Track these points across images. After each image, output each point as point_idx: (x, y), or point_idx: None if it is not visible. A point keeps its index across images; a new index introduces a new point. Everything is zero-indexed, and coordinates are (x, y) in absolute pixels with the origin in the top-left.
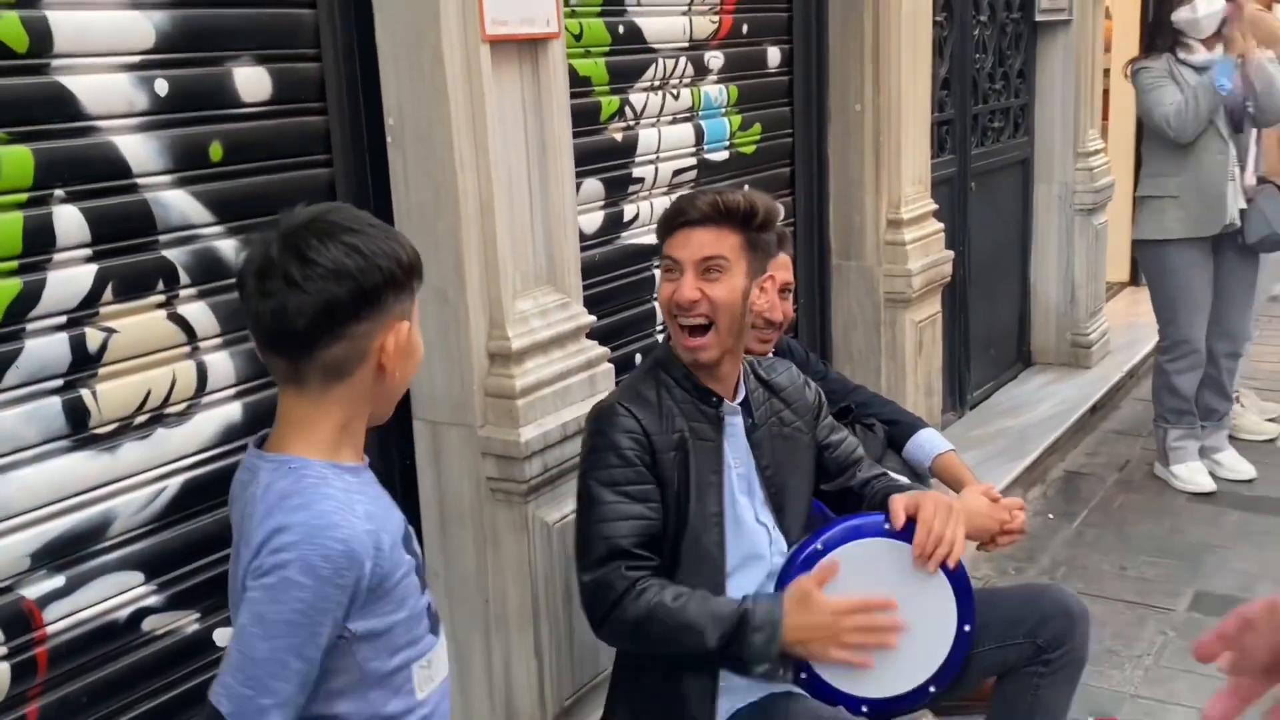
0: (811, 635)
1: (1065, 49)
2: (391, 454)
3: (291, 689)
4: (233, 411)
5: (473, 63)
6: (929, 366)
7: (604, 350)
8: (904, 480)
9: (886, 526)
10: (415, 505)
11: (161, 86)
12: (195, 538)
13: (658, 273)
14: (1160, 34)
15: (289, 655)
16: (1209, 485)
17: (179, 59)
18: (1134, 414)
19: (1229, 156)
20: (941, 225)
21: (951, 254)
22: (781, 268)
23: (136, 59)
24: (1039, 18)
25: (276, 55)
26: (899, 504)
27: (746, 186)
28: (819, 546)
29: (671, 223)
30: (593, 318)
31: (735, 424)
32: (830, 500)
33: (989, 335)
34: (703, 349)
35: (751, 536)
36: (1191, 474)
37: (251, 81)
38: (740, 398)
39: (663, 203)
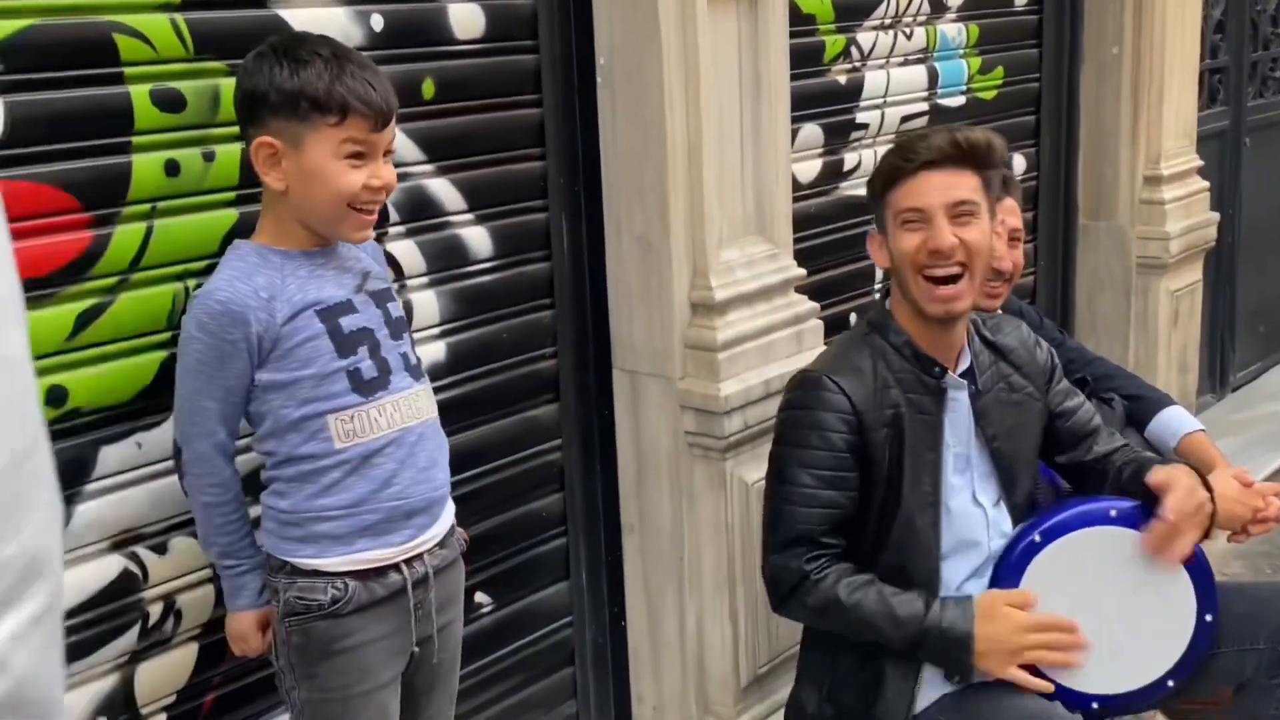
0: (990, 648)
1: None
2: (590, 401)
3: (210, 423)
4: (436, 351)
5: (687, 1)
6: (1184, 340)
7: (813, 305)
8: (1148, 455)
9: (1113, 514)
10: (612, 454)
11: (377, 21)
12: None
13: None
14: None
15: (199, 397)
16: None
17: None
18: None
19: None
20: (1206, 184)
21: (1217, 216)
22: (1010, 212)
23: None
24: None
25: None
26: (1155, 478)
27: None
28: (1036, 538)
29: (901, 169)
30: (802, 271)
31: (958, 399)
32: (1065, 472)
33: (1259, 310)
34: (957, 298)
35: (967, 520)
36: None
37: (466, 18)
38: (964, 366)
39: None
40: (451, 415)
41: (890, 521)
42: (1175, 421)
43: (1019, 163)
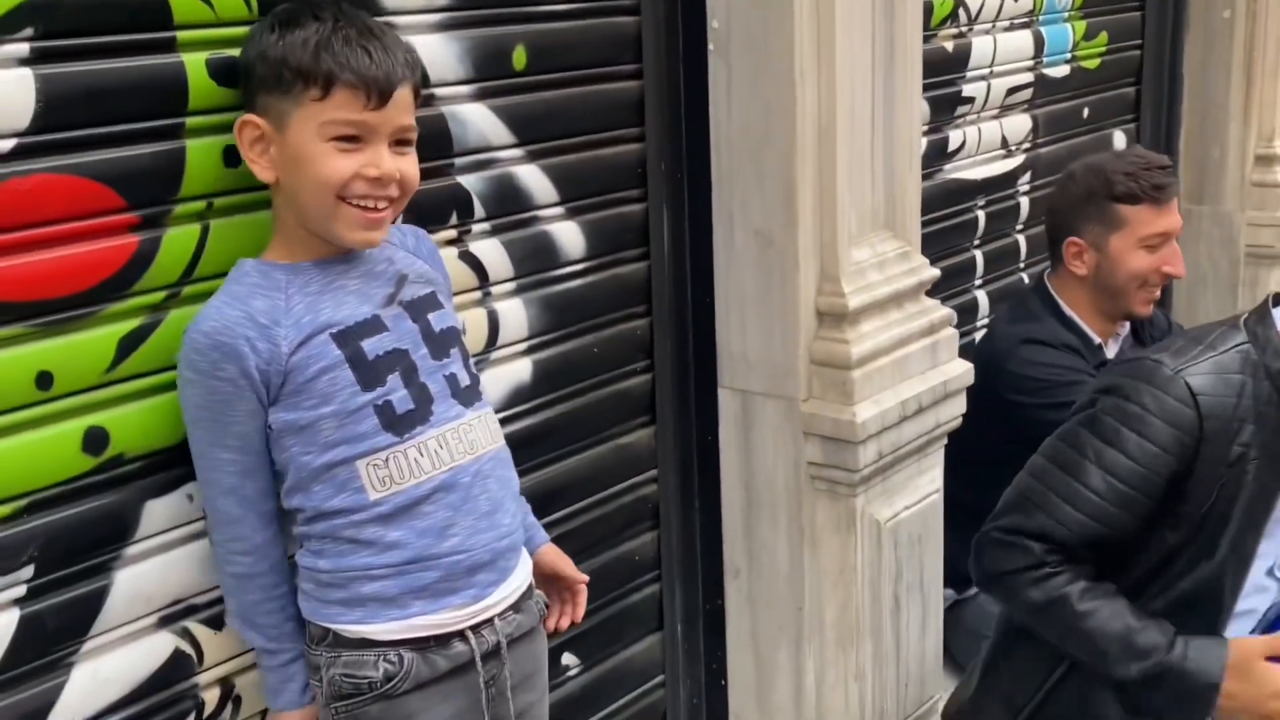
0: (1237, 705)
1: None
2: (690, 424)
3: (230, 477)
4: (521, 371)
5: None
6: None
7: (948, 312)
8: None
9: None
10: (715, 487)
11: None
12: None
13: (981, 215)
14: None
15: (211, 448)
16: None
17: None
18: None
19: None
20: None
21: None
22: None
23: None
24: None
25: None
26: None
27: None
28: None
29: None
30: (936, 272)
31: None
32: None
33: None
34: None
35: (1256, 594)
36: None
37: None
38: None
39: (991, 128)
40: (533, 445)
41: (1186, 572)
42: None
43: (1119, 139)
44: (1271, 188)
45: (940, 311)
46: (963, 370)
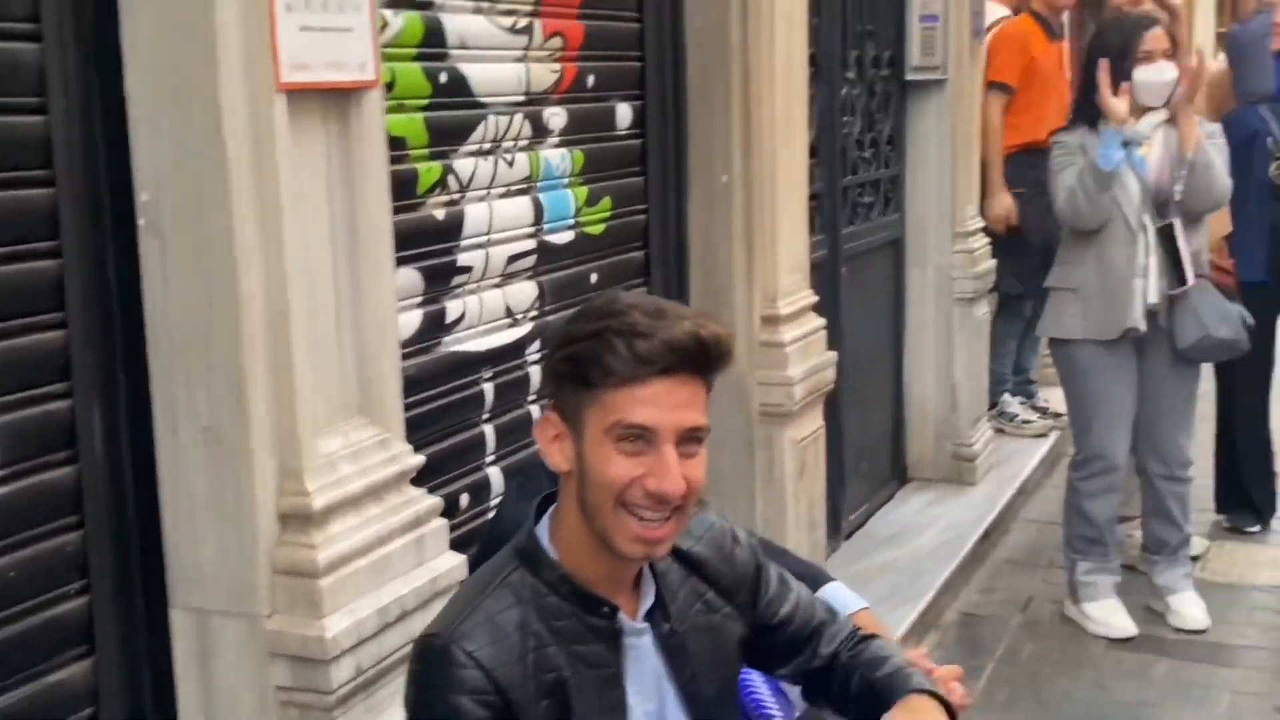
0: None
1: (939, 113)
2: (137, 653)
3: None
4: None
5: (262, 119)
6: (811, 494)
7: (435, 501)
8: (873, 650)
9: None
10: None
11: None
12: None
13: (488, 387)
14: (1080, 104)
15: None
16: (1128, 629)
17: None
18: (1028, 539)
19: (1137, 249)
20: (823, 321)
21: (834, 356)
22: None
23: None
24: (910, 76)
25: None
26: None
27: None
28: None
29: (629, 369)
30: (420, 458)
31: (640, 645)
32: (790, 678)
33: (862, 448)
34: (663, 541)
35: None
36: (1106, 614)
37: None
38: (648, 600)
39: (494, 297)
40: None
41: None
42: (837, 600)
43: None
44: (778, 347)
45: (427, 501)
46: (454, 564)
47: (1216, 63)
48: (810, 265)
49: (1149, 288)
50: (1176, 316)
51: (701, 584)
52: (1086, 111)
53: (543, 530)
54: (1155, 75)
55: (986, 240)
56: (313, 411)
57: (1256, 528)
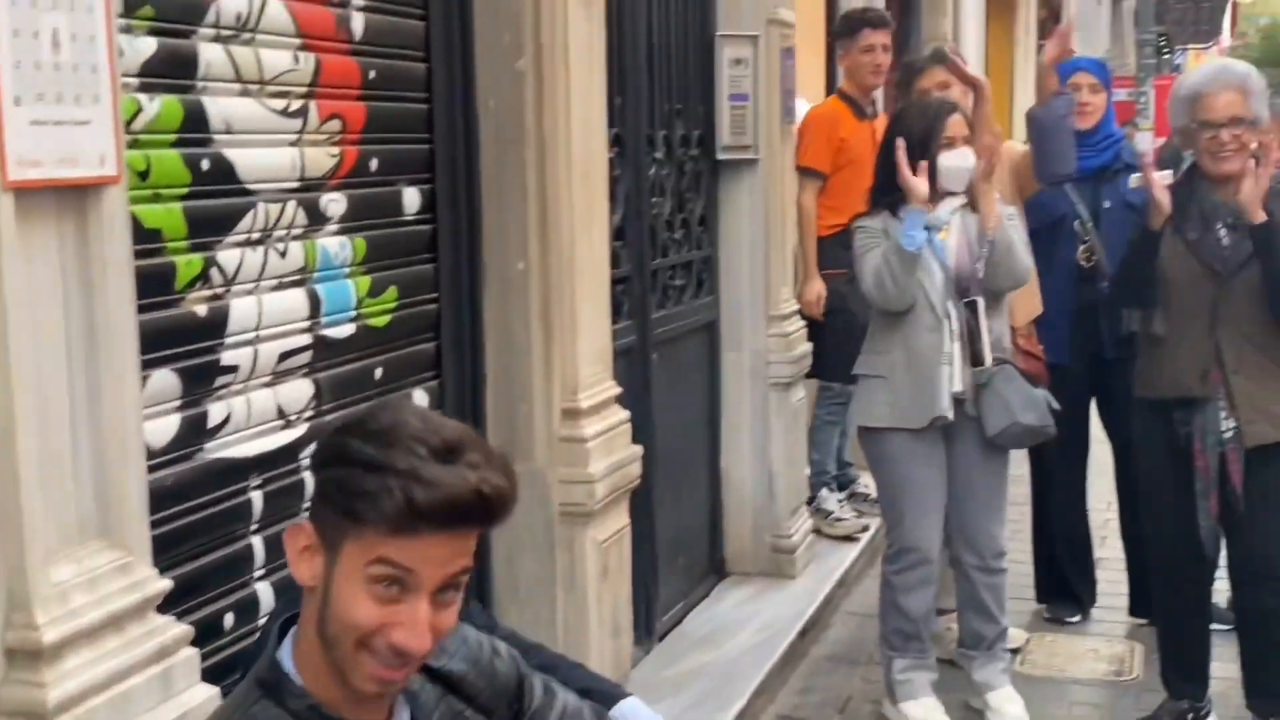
0: None
1: (752, 193)
2: None
3: None
4: None
5: None
6: (615, 598)
7: (183, 630)
8: None
9: None
10: None
11: None
12: None
13: (257, 495)
14: (880, 187)
15: None
16: None
17: None
18: (848, 634)
19: (943, 335)
20: (627, 414)
21: (640, 450)
22: None
23: None
24: (720, 155)
25: None
26: None
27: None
28: None
29: (411, 517)
30: (166, 583)
31: None
32: None
33: (677, 541)
34: (401, 682)
35: None
36: (925, 714)
37: None
38: None
39: (264, 397)
40: None
41: None
42: (637, 718)
43: (420, 398)
44: (579, 443)
45: (174, 630)
46: (207, 697)
47: (1019, 145)
48: (618, 352)
49: (955, 375)
50: (984, 403)
51: (459, 701)
52: (887, 194)
53: (285, 654)
54: (959, 160)
55: (802, 323)
56: (43, 537)
57: (1077, 617)
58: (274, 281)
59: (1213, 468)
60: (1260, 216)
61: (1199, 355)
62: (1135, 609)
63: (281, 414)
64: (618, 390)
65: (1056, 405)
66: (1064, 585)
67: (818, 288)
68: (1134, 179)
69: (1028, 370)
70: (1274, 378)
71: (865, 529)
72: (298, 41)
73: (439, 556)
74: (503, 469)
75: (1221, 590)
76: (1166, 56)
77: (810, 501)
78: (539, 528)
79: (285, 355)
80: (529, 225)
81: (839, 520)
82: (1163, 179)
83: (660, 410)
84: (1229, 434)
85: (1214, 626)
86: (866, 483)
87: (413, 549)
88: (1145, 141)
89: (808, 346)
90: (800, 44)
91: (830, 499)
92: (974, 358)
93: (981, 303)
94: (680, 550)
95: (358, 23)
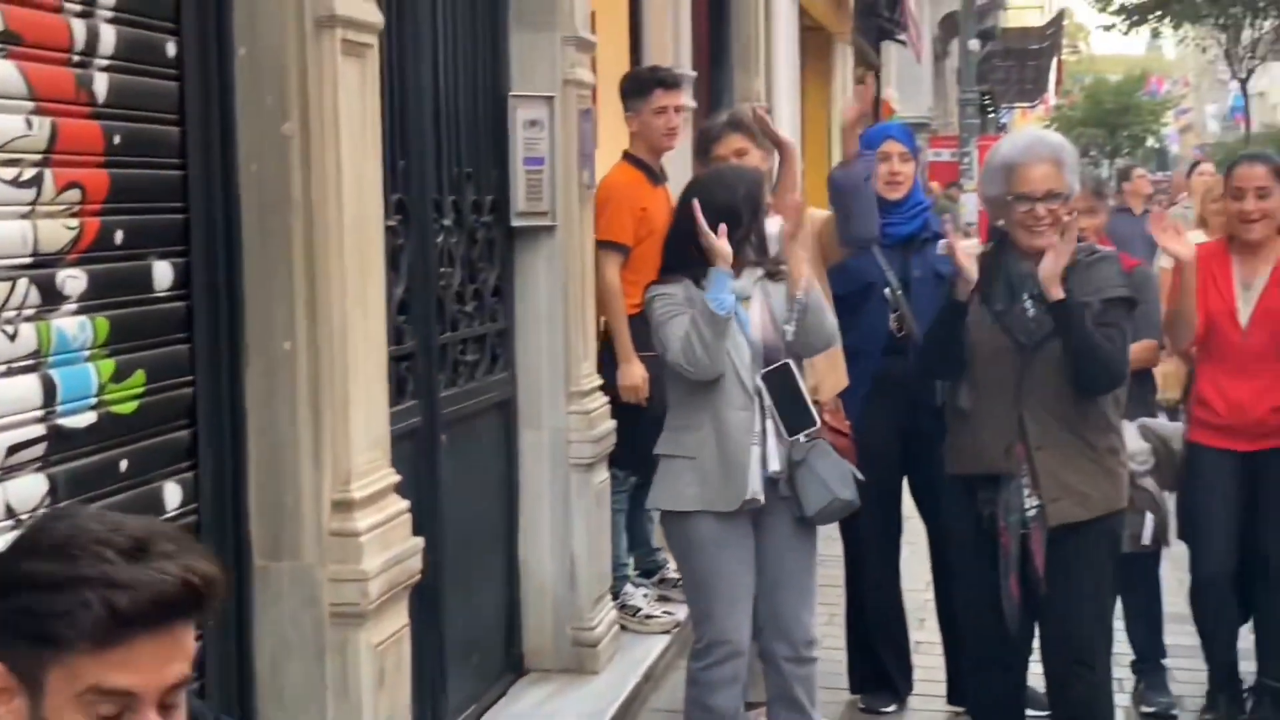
0: None
1: (550, 262)
2: None
3: None
4: None
5: None
6: (393, 705)
7: None
8: None
9: None
10: None
11: None
12: None
13: None
14: (675, 253)
15: None
16: None
17: None
18: None
19: (754, 413)
20: (407, 504)
21: (420, 542)
22: None
23: None
24: (515, 222)
25: None
26: None
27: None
28: None
29: (116, 627)
30: None
31: None
32: None
33: (470, 638)
34: None
35: None
36: None
37: None
38: None
39: None
40: None
41: None
42: None
43: (173, 493)
44: (352, 537)
45: None
46: None
47: (820, 211)
48: (402, 435)
49: (770, 454)
50: (800, 481)
51: None
52: (684, 260)
53: None
54: (767, 228)
55: (605, 400)
56: None
57: (893, 707)
58: (2, 368)
59: (1014, 547)
60: (1058, 294)
61: (1003, 430)
62: (953, 696)
63: (10, 513)
64: (396, 478)
65: (861, 477)
66: (880, 673)
67: (639, 371)
68: (941, 245)
69: (836, 445)
70: (1079, 454)
71: (678, 625)
72: (30, 105)
73: (155, 663)
74: (200, 552)
75: (1038, 674)
76: (991, 116)
77: (615, 596)
78: (307, 630)
79: (15, 449)
80: (295, 300)
81: (650, 617)
82: (970, 248)
83: (450, 496)
84: (1032, 512)
85: (1030, 713)
86: (675, 566)
87: (126, 663)
88: (970, 203)
89: (611, 424)
90: (603, 106)
91: (636, 594)
92: (799, 420)
93: (793, 363)
94: (473, 648)
95: (101, 84)
